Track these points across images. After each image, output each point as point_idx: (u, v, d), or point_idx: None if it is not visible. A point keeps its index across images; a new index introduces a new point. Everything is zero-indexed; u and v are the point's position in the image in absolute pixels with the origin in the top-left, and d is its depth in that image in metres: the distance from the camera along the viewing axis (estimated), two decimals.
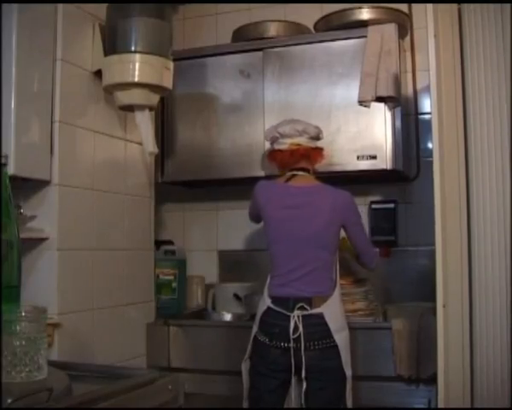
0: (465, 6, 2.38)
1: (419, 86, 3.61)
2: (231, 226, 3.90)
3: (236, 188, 3.76)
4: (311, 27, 3.59)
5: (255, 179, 2.99)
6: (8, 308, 1.33)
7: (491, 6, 2.30)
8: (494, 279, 2.25)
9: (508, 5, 2.28)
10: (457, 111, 2.40)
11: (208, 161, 3.52)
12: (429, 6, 2.35)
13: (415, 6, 3.57)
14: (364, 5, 3.40)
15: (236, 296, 3.47)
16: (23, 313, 1.30)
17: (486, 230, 2.28)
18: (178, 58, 3.20)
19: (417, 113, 3.59)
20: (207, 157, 3.52)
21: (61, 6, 2.67)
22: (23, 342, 1.24)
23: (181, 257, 3.63)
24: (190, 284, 3.70)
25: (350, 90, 3.28)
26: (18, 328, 1.26)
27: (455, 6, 2.39)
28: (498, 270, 2.24)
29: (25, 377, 1.25)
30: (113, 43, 2.78)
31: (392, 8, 3.41)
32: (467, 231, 2.33)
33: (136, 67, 2.74)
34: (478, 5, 2.34)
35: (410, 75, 3.63)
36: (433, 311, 2.39)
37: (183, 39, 4.03)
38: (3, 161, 1.56)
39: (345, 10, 3.40)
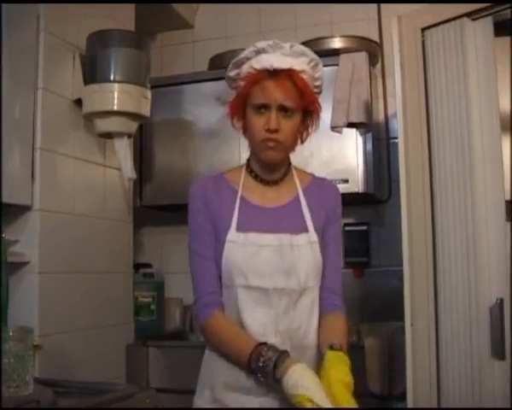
0: (428, 33, 2.50)
1: (390, 112, 3.73)
2: None
3: None
4: None
5: None
6: None
7: (452, 30, 2.43)
8: (458, 298, 2.35)
9: (468, 28, 2.40)
10: (422, 136, 2.52)
11: (186, 185, 3.54)
12: (395, 37, 2.48)
13: (385, 34, 3.69)
14: (336, 34, 3.53)
15: None
16: (11, 333, 1.38)
17: (450, 249, 2.39)
18: (156, 85, 3.30)
19: (388, 137, 3.71)
20: (185, 181, 3.58)
21: (42, 36, 2.76)
22: (11, 360, 1.32)
23: (159, 280, 3.71)
24: (168, 306, 3.76)
25: (323, 116, 3.37)
26: (7, 346, 1.34)
27: (419, 35, 2.51)
28: (462, 289, 2.34)
29: (13, 391, 1.33)
30: (93, 73, 2.88)
31: (362, 38, 3.53)
32: (432, 251, 2.44)
33: (115, 96, 2.84)
34: (440, 31, 2.47)
35: (381, 101, 3.75)
36: (403, 329, 2.49)
37: (161, 66, 4.13)
38: None
39: (318, 39, 3.52)
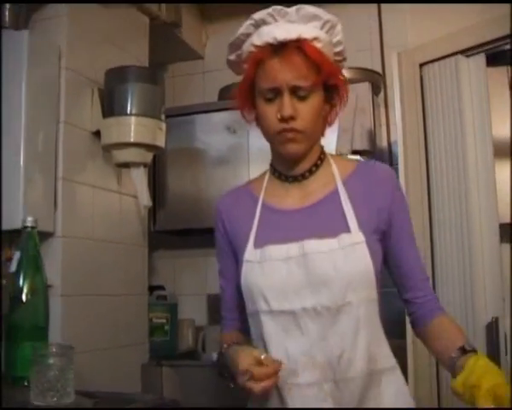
0: (425, 68, 2.67)
1: (393, 139, 3.89)
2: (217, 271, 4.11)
3: None
4: None
5: None
6: (38, 345, 1.60)
7: (448, 66, 2.60)
8: (456, 316, 2.49)
9: (462, 64, 2.57)
10: (421, 163, 2.70)
11: (197, 210, 3.76)
12: (395, 72, 2.65)
13: (387, 65, 3.86)
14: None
15: None
16: (54, 349, 1.55)
17: (448, 270, 2.57)
18: (169, 115, 3.47)
19: (391, 163, 3.85)
20: (196, 207, 3.76)
21: (63, 72, 2.93)
22: (56, 373, 1.49)
23: (172, 301, 3.86)
24: (181, 327, 3.91)
25: (328, 144, 3.53)
26: (52, 361, 1.51)
27: (417, 70, 2.68)
28: (459, 308, 2.50)
29: (57, 401, 1.49)
30: (111, 107, 3.05)
31: (366, 69, 3.70)
32: (431, 273, 2.60)
33: (132, 128, 3.01)
34: (436, 66, 2.64)
35: (384, 128, 3.91)
36: (405, 347, 2.63)
37: (173, 96, 4.29)
38: (33, 224, 1.85)
39: None
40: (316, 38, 1.66)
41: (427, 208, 2.65)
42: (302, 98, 1.65)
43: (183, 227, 3.86)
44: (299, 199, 1.76)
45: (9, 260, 2.68)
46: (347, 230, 1.65)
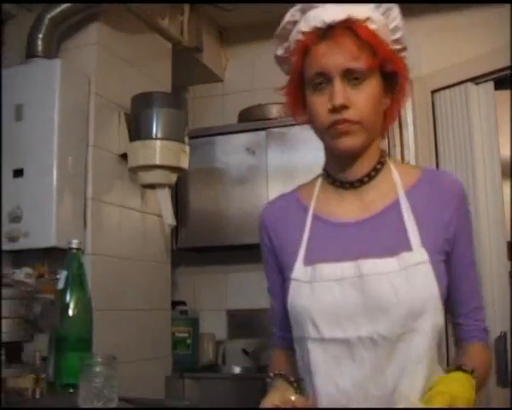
0: (437, 95, 2.82)
1: (406, 159, 4.01)
2: (239, 287, 4.26)
3: (243, 253, 4.11)
4: None
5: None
6: (85, 355, 1.77)
7: (458, 93, 2.74)
8: None
9: (472, 92, 2.71)
10: None
11: (217, 228, 3.90)
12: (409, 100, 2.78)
13: None
14: None
15: (245, 351, 3.80)
16: (99, 359, 1.71)
17: None
18: (190, 136, 3.61)
19: None
20: (217, 225, 3.90)
21: (92, 98, 3.10)
22: (102, 380, 1.64)
23: (194, 316, 4.00)
24: (202, 341, 4.04)
25: None
26: (98, 369, 1.66)
27: (429, 96, 2.82)
28: None
29: (102, 405, 1.63)
30: (138, 130, 3.21)
31: None
32: None
33: (158, 151, 3.16)
34: (447, 93, 2.78)
35: (398, 149, 4.03)
36: None
37: (194, 117, 4.43)
38: (77, 245, 2.03)
39: None
40: (368, 19, 1.46)
41: None
42: (356, 85, 1.44)
43: (204, 245, 4.01)
44: (355, 210, 1.54)
45: (42, 276, 2.85)
46: (409, 248, 1.45)
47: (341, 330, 1.44)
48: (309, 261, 1.51)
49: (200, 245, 4.03)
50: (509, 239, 2.63)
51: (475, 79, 2.65)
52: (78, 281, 2.01)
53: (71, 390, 1.83)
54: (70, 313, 2.00)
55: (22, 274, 2.69)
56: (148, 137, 3.17)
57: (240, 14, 4.14)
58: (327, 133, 1.48)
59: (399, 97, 1.55)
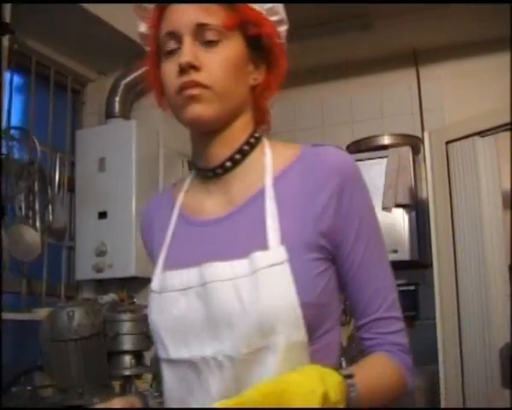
0: (450, 145, 3.36)
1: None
2: None
3: None
4: (344, 149, 4.51)
5: None
6: None
7: (467, 144, 3.28)
8: (476, 342, 3.16)
9: (478, 143, 3.25)
10: (447, 216, 3.39)
11: None
12: (427, 148, 3.33)
13: (426, 127, 4.52)
14: (386, 132, 4.37)
15: None
16: None
17: (469, 304, 3.24)
18: None
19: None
20: None
21: (161, 149, 3.70)
22: None
23: None
24: None
25: (375, 199, 4.15)
26: None
27: (444, 146, 3.37)
28: (479, 335, 3.16)
29: None
30: None
31: (407, 135, 4.35)
32: (456, 307, 3.26)
33: None
34: (459, 144, 3.33)
35: (424, 182, 4.53)
36: None
37: None
38: None
39: (370, 137, 4.36)
40: None
41: (453, 254, 3.32)
42: (210, 46, 1.22)
43: None
44: (221, 205, 1.28)
45: (122, 301, 3.42)
46: (265, 246, 1.16)
47: (187, 349, 1.20)
48: (165, 269, 1.28)
49: None
50: (509, 263, 3.14)
51: (481, 133, 3.16)
52: None
53: None
54: None
55: (110, 298, 3.28)
56: None
57: None
58: (176, 102, 1.24)
59: (275, 73, 1.31)
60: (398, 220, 4.17)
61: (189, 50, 1.21)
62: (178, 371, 1.22)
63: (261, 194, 1.23)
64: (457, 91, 4.38)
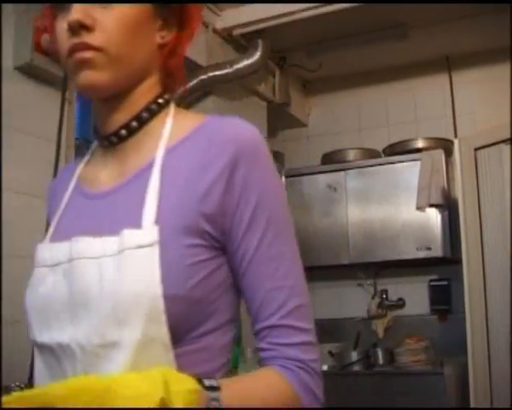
0: (478, 152, 3.60)
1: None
2: (323, 301, 4.94)
3: (326, 272, 4.91)
4: (381, 151, 4.78)
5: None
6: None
7: (493, 150, 3.52)
8: (499, 333, 3.40)
9: (503, 150, 3.49)
10: (475, 216, 3.61)
11: (307, 251, 4.67)
12: (457, 155, 3.57)
13: (459, 131, 4.74)
14: (419, 136, 4.61)
15: (330, 353, 4.48)
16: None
17: (495, 298, 3.46)
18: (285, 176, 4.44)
19: None
20: (305, 249, 4.68)
21: None
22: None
23: None
24: None
25: (409, 199, 4.42)
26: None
27: (473, 153, 3.61)
28: (507, 328, 3.39)
29: None
30: None
31: (440, 138, 4.58)
32: (484, 303, 3.50)
33: None
34: (486, 150, 3.57)
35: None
36: None
37: (284, 157, 5.17)
38: None
39: (405, 141, 4.61)
40: None
41: (480, 252, 3.56)
42: (106, 6, 1.08)
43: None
44: (115, 176, 1.17)
45: None
46: (138, 224, 1.04)
47: (48, 333, 1.08)
48: (50, 242, 1.18)
49: None
50: None
51: (506, 141, 3.39)
52: None
53: None
54: None
55: None
56: None
57: (321, 68, 4.92)
58: (68, 67, 1.11)
59: (187, 31, 1.19)
60: (431, 219, 4.38)
61: (79, 6, 1.05)
62: (45, 357, 1.10)
63: (150, 167, 1.10)
64: (489, 96, 4.59)
